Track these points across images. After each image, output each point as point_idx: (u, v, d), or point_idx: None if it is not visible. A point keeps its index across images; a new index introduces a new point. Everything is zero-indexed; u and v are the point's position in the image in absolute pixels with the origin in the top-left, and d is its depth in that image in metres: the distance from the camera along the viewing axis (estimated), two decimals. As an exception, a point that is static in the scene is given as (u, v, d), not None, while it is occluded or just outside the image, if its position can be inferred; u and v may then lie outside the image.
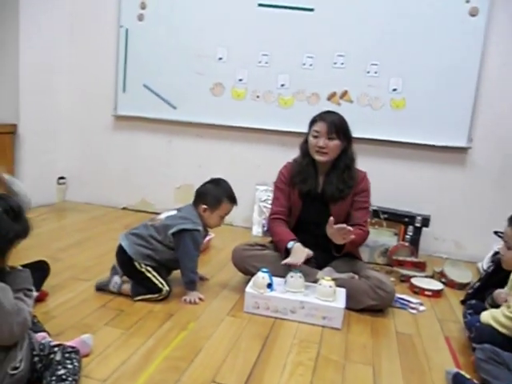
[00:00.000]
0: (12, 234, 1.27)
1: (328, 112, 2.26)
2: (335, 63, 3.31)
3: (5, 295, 1.23)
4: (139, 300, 2.03)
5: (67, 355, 1.37)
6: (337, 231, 2.04)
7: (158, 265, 2.08)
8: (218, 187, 2.18)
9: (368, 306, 2.10)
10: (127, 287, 2.07)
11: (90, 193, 3.89)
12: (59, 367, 1.33)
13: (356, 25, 3.24)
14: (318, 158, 2.21)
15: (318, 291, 1.98)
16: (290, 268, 2.10)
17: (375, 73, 3.25)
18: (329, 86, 3.33)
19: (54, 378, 1.30)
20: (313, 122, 2.24)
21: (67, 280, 2.20)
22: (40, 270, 1.92)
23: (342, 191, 2.21)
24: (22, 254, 1.76)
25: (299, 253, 2.11)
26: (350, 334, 1.91)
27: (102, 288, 2.11)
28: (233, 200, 2.19)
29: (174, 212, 2.19)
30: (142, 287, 2.04)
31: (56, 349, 1.38)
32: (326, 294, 1.95)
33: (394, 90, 3.24)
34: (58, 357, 1.36)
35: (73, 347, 1.42)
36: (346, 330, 1.95)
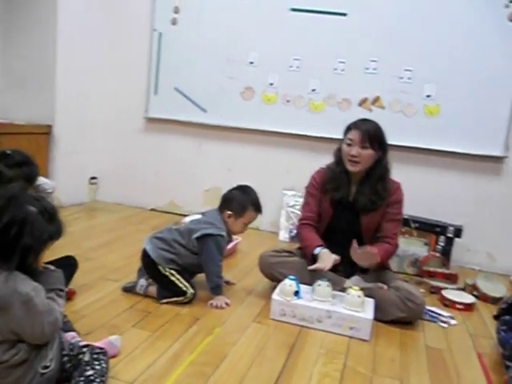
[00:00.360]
0: (46, 236, 1.29)
1: (364, 120, 2.21)
2: (367, 68, 3.26)
3: (37, 295, 1.26)
4: (165, 303, 2.04)
5: (95, 356, 1.39)
6: (361, 255, 2.00)
7: (181, 268, 2.09)
8: (244, 194, 2.18)
9: (397, 317, 2.05)
10: (153, 290, 2.09)
11: (119, 193, 3.95)
12: (87, 368, 1.34)
13: (389, 30, 3.19)
14: (350, 168, 2.16)
15: (345, 301, 1.95)
16: (317, 273, 2.08)
17: (409, 79, 3.19)
18: (360, 92, 3.29)
19: (82, 378, 1.31)
20: (347, 129, 2.20)
21: (97, 280, 2.24)
22: (68, 266, 1.95)
23: (375, 203, 2.17)
24: (54, 252, 1.79)
25: (326, 258, 2.09)
26: (377, 347, 1.87)
27: (128, 290, 2.14)
28: (258, 209, 2.18)
29: (199, 216, 2.19)
30: (167, 290, 2.05)
31: (85, 349, 1.40)
32: (354, 304, 1.92)
33: (428, 96, 3.17)
34: (87, 357, 1.38)
35: (101, 348, 1.43)
36: (373, 341, 1.91)
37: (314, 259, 2.14)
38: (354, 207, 2.21)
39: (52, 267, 1.47)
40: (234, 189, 2.22)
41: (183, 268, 2.09)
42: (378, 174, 2.18)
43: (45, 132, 3.44)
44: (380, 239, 2.16)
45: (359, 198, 2.19)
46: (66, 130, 3.58)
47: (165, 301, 2.04)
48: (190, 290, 2.04)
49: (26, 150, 3.20)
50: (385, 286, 2.13)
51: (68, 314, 1.70)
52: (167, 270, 2.06)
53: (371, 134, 2.12)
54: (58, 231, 1.35)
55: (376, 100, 3.27)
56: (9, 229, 1.21)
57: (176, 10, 3.60)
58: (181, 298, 2.04)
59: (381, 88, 3.25)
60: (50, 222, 1.31)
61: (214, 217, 2.15)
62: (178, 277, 2.05)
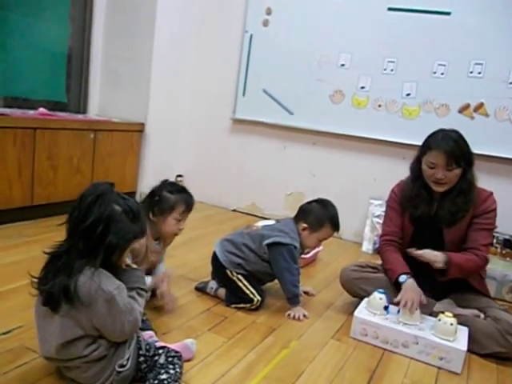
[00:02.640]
0: (130, 235, 1.29)
1: (445, 136, 1.91)
2: (471, 72, 2.99)
3: (120, 293, 1.26)
4: (233, 308, 2.00)
5: (170, 359, 1.38)
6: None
7: (248, 274, 2.03)
8: (324, 209, 2.07)
9: (493, 352, 1.83)
10: (222, 292, 2.06)
11: (203, 192, 4.01)
12: (162, 371, 1.33)
13: (498, 29, 2.90)
14: (436, 188, 1.95)
15: (436, 327, 1.77)
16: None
17: (519, 84, 2.88)
18: (462, 97, 3.02)
19: (156, 381, 1.30)
20: (427, 148, 1.94)
21: (176, 278, 2.23)
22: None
23: (454, 215, 1.94)
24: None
25: (412, 294, 1.87)
26: (470, 382, 1.68)
27: (200, 289, 2.14)
28: (336, 226, 2.07)
29: (273, 222, 2.13)
30: (235, 296, 2.01)
31: (160, 351, 1.39)
32: (446, 332, 1.73)
33: (542, 104, 2.83)
34: (162, 360, 1.37)
35: (176, 352, 1.41)
36: (465, 375, 1.72)
37: (397, 286, 1.97)
38: (436, 222, 2.01)
39: (134, 265, 1.49)
40: (314, 201, 2.13)
41: (251, 274, 2.04)
42: (459, 188, 1.94)
43: (138, 130, 3.58)
44: (465, 251, 1.94)
45: (439, 212, 1.99)
46: (157, 128, 3.71)
47: (233, 306, 2.01)
48: (257, 297, 1.98)
49: (121, 146, 3.41)
50: (481, 315, 1.92)
51: (147, 312, 1.72)
52: (235, 274, 2.02)
53: (456, 155, 1.87)
54: (141, 231, 1.36)
55: (479, 107, 2.99)
56: (95, 226, 1.23)
57: (268, 12, 3.58)
58: (248, 305, 1.99)
59: (485, 94, 2.96)
60: (134, 222, 1.31)
61: (289, 226, 2.07)
62: (246, 283, 2.01)
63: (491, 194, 2.00)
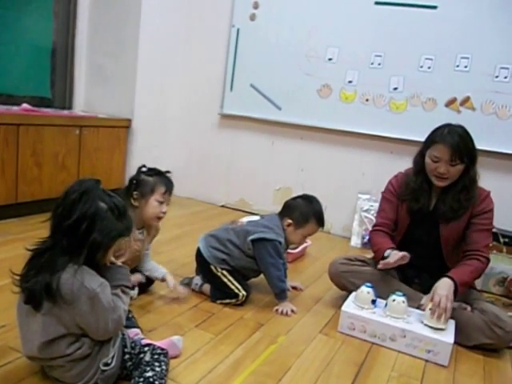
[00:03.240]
0: (115, 233, 1.27)
1: (450, 131, 1.90)
2: (457, 66, 3.00)
3: (103, 291, 1.24)
4: (219, 303, 1.99)
5: (156, 357, 1.36)
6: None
7: (233, 269, 2.02)
8: (309, 205, 2.06)
9: (480, 343, 1.84)
10: (207, 288, 2.05)
11: (192, 188, 4.00)
12: (147, 369, 1.31)
13: (484, 23, 2.91)
14: (438, 183, 1.95)
15: (423, 320, 1.78)
16: (391, 287, 1.95)
17: (505, 77, 2.89)
18: (448, 91, 3.03)
19: (141, 379, 1.29)
20: (432, 142, 1.94)
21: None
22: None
23: (456, 211, 1.95)
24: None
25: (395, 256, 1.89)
26: (457, 374, 1.69)
27: (185, 285, 2.11)
28: (320, 222, 2.07)
29: (257, 218, 2.12)
30: (220, 291, 2.00)
31: (146, 348, 1.37)
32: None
33: (528, 97, 2.85)
34: (148, 357, 1.35)
35: (162, 349, 1.40)
36: (452, 367, 1.73)
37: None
38: (434, 216, 2.02)
39: (119, 263, 1.46)
40: (299, 197, 2.12)
41: (235, 269, 2.03)
42: (462, 184, 1.95)
43: (125, 126, 3.54)
44: (468, 253, 1.95)
45: (439, 206, 2.00)
46: (144, 124, 3.67)
47: (218, 301, 2.00)
48: (242, 292, 1.97)
49: (107, 142, 3.37)
50: (468, 307, 1.93)
51: (134, 309, 1.71)
52: (219, 270, 2.01)
53: (461, 150, 1.86)
54: (127, 228, 1.34)
55: (466, 100, 3.00)
56: (79, 224, 1.21)
57: (255, 6, 3.55)
58: (233, 300, 1.98)
59: (472, 87, 2.97)
60: (120, 219, 1.29)
61: (274, 222, 2.06)
62: (230, 278, 1.99)
63: (489, 193, 2.01)
